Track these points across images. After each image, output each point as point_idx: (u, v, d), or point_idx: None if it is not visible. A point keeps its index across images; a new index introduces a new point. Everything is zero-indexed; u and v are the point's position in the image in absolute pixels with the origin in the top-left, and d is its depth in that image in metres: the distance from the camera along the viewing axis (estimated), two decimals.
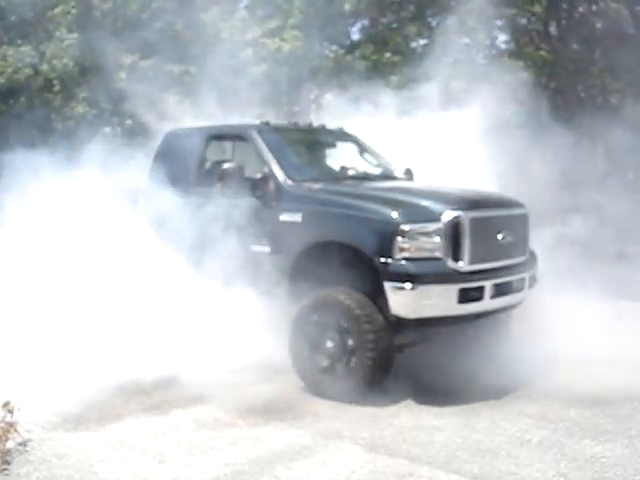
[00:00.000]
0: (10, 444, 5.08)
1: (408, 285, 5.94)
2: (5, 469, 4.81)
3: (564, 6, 16.10)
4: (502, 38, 16.00)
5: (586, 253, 8.16)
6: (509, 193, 7.26)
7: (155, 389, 5.90)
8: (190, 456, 5.05)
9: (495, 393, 6.21)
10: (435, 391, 6.18)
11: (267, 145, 7.40)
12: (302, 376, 6.32)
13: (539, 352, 6.37)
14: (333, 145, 8.61)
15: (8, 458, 4.94)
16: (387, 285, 6.00)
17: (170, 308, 6.34)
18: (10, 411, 5.15)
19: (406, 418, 5.80)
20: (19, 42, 16.45)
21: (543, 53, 15.86)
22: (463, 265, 6.13)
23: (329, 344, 6.18)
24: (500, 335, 6.88)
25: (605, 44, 15.26)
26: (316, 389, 6.21)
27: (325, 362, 6.19)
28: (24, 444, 5.17)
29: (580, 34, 15.90)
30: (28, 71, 15.87)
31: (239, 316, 6.21)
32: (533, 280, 6.93)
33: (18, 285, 6.79)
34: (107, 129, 12.85)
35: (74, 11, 15.88)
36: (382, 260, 6.03)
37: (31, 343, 6.10)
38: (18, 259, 6.98)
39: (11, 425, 5.13)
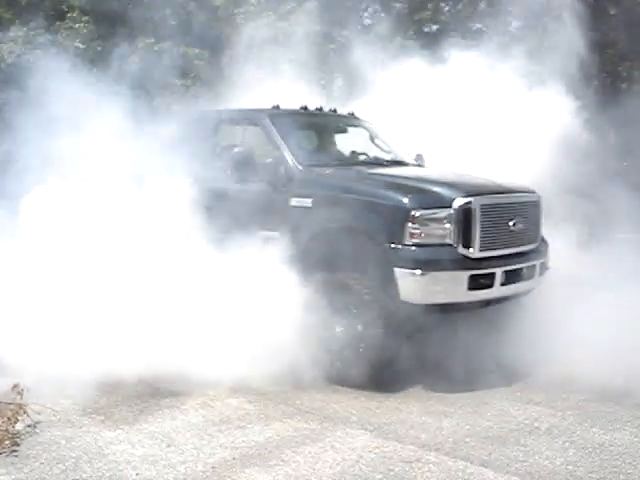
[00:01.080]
0: (19, 426, 5.11)
1: (418, 271, 5.93)
2: (15, 450, 4.82)
3: None
4: (516, 24, 15.86)
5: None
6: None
7: (164, 374, 5.87)
8: (198, 439, 5.06)
9: (504, 381, 6.21)
10: (443, 378, 6.17)
11: (277, 130, 7.37)
12: (311, 361, 6.31)
13: (549, 340, 6.34)
14: (344, 130, 8.58)
15: (17, 440, 4.96)
16: (397, 271, 5.98)
17: (178, 294, 6.29)
18: (20, 393, 5.18)
19: (414, 404, 5.81)
20: (30, 24, 16.34)
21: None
22: (473, 252, 6.11)
23: (338, 329, 6.18)
24: (510, 323, 6.86)
25: (619, 30, 15.15)
26: (325, 374, 6.21)
27: (334, 347, 6.19)
28: (33, 426, 5.20)
29: (595, 20, 15.78)
30: (38, 52, 15.78)
31: (249, 301, 6.17)
32: (544, 267, 6.91)
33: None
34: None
35: None
36: (392, 246, 6.01)
37: (45, 324, 6.06)
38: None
39: (20, 407, 5.16)
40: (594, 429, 5.35)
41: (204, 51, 13.92)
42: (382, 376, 5.98)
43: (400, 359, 6.09)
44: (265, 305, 6.08)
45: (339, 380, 6.11)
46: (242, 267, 6.25)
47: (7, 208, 6.95)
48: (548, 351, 6.33)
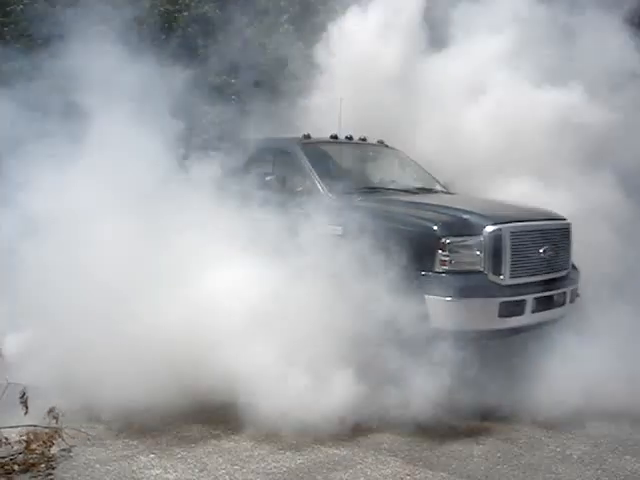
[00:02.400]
0: (55, 450, 5.18)
1: (448, 298, 5.96)
2: (50, 474, 4.89)
3: None
4: None
5: None
6: None
7: (197, 399, 5.88)
8: (230, 465, 5.10)
9: (535, 409, 6.15)
10: (474, 405, 6.15)
11: (308, 158, 7.46)
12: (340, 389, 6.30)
13: (580, 367, 6.30)
14: (374, 158, 8.65)
15: (53, 463, 5.03)
16: (427, 298, 6.01)
17: (224, 320, 6.21)
18: (55, 417, 5.25)
19: (445, 432, 5.79)
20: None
21: None
22: (504, 279, 6.15)
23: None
24: (540, 350, 6.84)
25: None
26: (356, 402, 6.18)
27: (363, 375, 6.18)
28: (68, 450, 5.26)
29: None
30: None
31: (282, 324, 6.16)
32: (575, 294, 6.90)
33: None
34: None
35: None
36: (422, 273, 6.05)
37: (81, 348, 6.01)
38: None
39: (56, 431, 5.23)
40: (626, 457, 5.33)
41: (234, 79, 14.05)
42: (412, 403, 5.96)
43: (430, 386, 6.08)
44: (300, 334, 6.04)
45: (370, 408, 6.10)
46: (277, 292, 6.23)
47: None
48: (579, 378, 6.28)
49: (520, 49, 8.78)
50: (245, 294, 6.07)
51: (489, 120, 8.46)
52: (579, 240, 7.10)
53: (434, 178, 8.46)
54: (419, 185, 8.15)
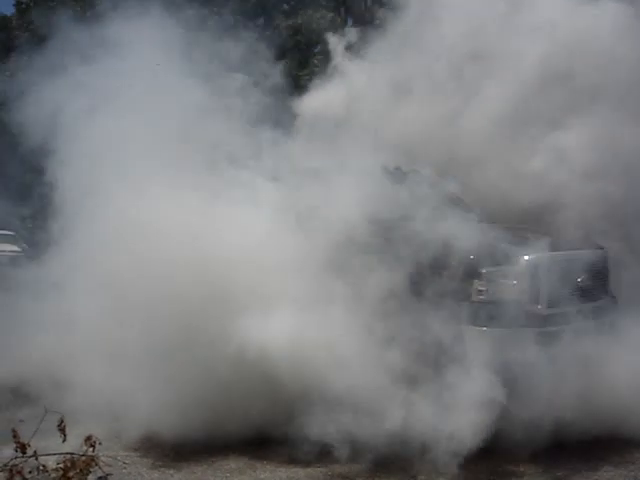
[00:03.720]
0: (91, 478, 5.18)
1: (485, 328, 5.91)
2: None
3: None
4: None
5: None
6: None
7: (234, 431, 5.86)
8: None
9: (572, 439, 6.05)
10: (511, 435, 6.06)
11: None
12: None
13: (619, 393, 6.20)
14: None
15: None
16: (464, 328, 5.97)
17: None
18: (92, 445, 5.27)
19: (482, 463, 5.71)
20: None
21: None
22: (542, 308, 6.08)
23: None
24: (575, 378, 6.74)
25: None
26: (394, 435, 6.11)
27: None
28: (104, 478, 5.31)
29: None
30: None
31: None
32: (613, 324, 6.81)
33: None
34: None
35: None
36: (459, 303, 6.00)
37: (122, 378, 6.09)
38: None
39: (93, 459, 5.24)
40: None
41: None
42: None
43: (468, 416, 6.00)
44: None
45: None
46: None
47: None
48: (616, 407, 6.19)
49: None
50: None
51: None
52: None
53: (469, 206, 8.40)
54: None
